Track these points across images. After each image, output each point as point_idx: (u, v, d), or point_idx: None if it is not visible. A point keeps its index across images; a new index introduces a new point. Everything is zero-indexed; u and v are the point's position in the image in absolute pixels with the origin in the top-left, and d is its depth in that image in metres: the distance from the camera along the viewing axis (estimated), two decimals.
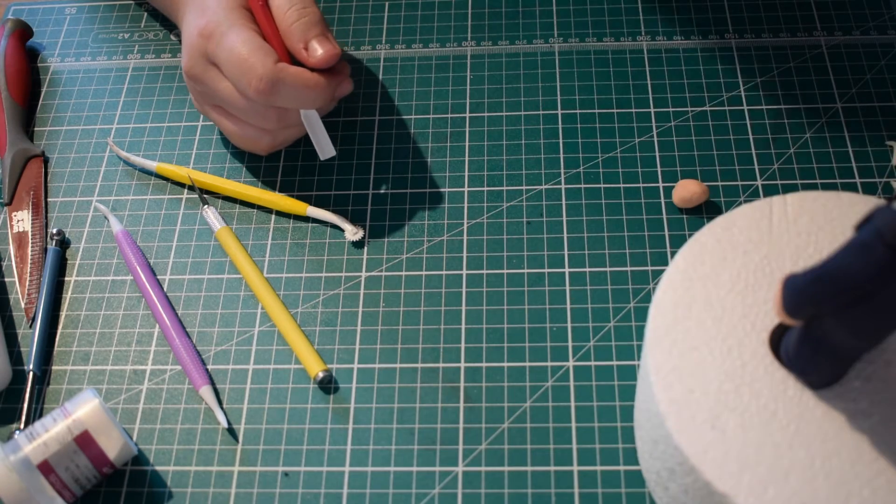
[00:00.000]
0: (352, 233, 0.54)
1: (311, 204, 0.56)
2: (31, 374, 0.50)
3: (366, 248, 0.54)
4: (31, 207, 0.57)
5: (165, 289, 0.54)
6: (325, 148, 0.54)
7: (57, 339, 0.53)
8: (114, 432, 0.45)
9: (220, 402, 0.49)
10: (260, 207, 0.56)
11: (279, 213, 0.56)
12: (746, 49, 0.60)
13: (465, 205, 0.55)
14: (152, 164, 0.58)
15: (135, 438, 0.49)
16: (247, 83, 0.50)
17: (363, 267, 0.54)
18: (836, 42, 0.61)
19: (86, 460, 0.45)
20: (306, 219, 0.56)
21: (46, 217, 0.57)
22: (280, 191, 0.57)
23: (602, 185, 0.55)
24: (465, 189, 0.56)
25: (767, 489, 0.36)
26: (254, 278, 0.53)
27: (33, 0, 0.69)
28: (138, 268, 0.53)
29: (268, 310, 0.52)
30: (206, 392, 0.49)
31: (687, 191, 0.53)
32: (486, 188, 0.56)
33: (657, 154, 0.56)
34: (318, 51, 0.51)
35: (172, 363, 0.51)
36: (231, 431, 0.48)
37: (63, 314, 0.53)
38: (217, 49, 0.51)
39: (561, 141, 0.58)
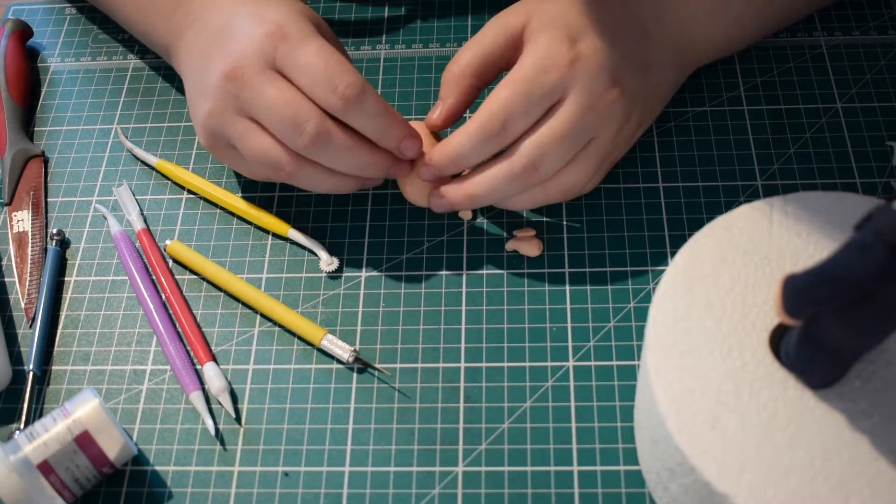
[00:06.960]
0: (326, 263, 0.53)
1: (310, 204, 0.56)
2: (31, 374, 0.50)
3: (366, 247, 0.54)
4: (31, 207, 0.57)
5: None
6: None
7: (57, 339, 0.53)
8: (114, 432, 0.45)
9: (210, 408, 0.49)
10: None
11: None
12: (747, 49, 0.60)
13: None
14: (153, 159, 0.58)
15: (135, 438, 0.49)
16: (332, 87, 0.46)
17: (363, 267, 0.54)
18: (836, 42, 0.61)
19: (86, 460, 0.45)
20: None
21: (46, 217, 0.57)
22: (280, 191, 0.57)
23: (602, 186, 0.55)
24: None
25: (767, 489, 0.36)
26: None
27: (33, 0, 0.69)
28: (135, 270, 0.53)
29: (253, 304, 0.52)
30: (196, 397, 0.49)
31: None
32: None
33: (657, 154, 0.56)
34: (409, 152, 0.50)
35: None
36: (218, 434, 0.48)
37: (63, 314, 0.53)
38: (290, 54, 0.47)
39: None
